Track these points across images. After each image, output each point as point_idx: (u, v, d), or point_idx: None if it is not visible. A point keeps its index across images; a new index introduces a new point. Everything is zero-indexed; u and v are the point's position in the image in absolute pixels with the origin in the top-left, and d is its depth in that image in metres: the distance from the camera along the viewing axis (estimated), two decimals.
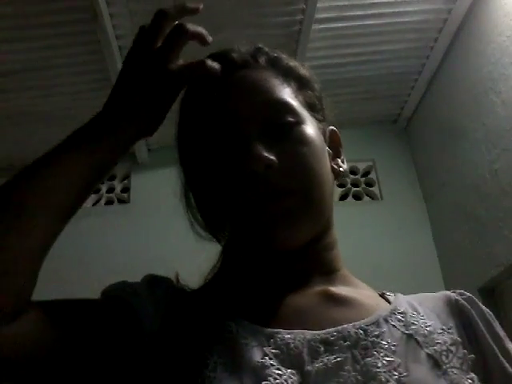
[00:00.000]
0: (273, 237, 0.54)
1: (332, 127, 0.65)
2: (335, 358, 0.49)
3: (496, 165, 1.80)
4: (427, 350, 0.52)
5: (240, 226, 0.58)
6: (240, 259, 0.63)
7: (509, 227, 1.72)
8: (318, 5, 1.84)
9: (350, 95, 2.28)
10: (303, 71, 0.64)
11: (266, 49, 0.64)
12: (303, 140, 0.57)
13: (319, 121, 0.62)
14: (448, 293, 0.62)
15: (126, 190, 2.47)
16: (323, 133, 0.62)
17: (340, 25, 1.98)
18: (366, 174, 2.47)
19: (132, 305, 0.53)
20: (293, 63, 0.64)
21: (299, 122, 0.58)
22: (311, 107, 0.62)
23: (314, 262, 0.59)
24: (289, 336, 0.50)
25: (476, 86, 1.92)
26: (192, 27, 0.54)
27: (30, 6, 1.75)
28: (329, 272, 0.60)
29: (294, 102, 0.59)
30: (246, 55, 0.62)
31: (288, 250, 0.56)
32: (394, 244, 2.25)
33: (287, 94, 0.59)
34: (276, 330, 0.51)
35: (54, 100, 2.18)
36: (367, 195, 2.43)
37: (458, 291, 0.62)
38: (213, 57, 0.59)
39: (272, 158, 0.54)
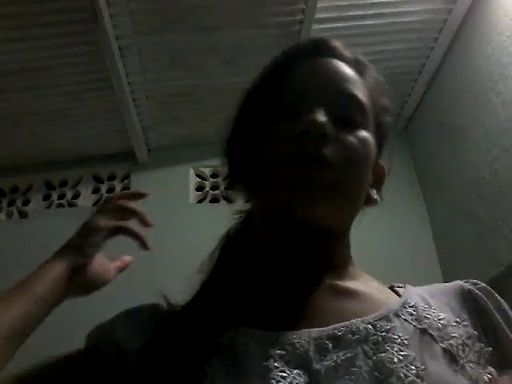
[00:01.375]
0: (302, 206, 0.52)
1: (382, 163, 0.65)
2: (344, 354, 0.47)
3: (496, 165, 1.80)
4: (443, 345, 0.50)
5: (271, 190, 0.55)
6: (240, 255, 0.61)
7: (509, 227, 1.71)
8: (317, 5, 1.84)
9: None
10: (385, 101, 0.64)
11: (367, 63, 0.65)
12: (362, 140, 0.56)
13: (377, 146, 0.61)
14: (461, 283, 0.60)
15: (125, 190, 2.46)
16: (375, 157, 0.61)
17: (340, 25, 1.98)
18: None
19: (104, 351, 0.54)
20: (382, 88, 0.64)
21: (365, 127, 0.58)
22: (377, 133, 0.61)
23: (327, 257, 0.57)
24: (294, 336, 0.48)
25: (476, 86, 1.92)
26: (132, 230, 0.68)
27: (30, 5, 1.75)
28: (337, 267, 0.58)
29: (369, 113, 0.59)
30: (349, 54, 0.63)
31: (309, 224, 0.54)
32: (394, 244, 2.25)
33: (368, 104, 0.59)
34: (279, 332, 0.49)
35: (53, 100, 2.18)
36: None
37: (472, 281, 0.60)
38: (317, 40, 0.63)
39: (330, 130, 0.53)
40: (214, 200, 2.39)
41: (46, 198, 2.46)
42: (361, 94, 0.59)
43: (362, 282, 0.58)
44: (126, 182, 2.48)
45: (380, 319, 0.50)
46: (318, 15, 1.90)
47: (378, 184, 0.64)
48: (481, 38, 1.89)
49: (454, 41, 2.07)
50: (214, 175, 2.41)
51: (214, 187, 2.40)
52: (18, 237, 2.31)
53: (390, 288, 0.60)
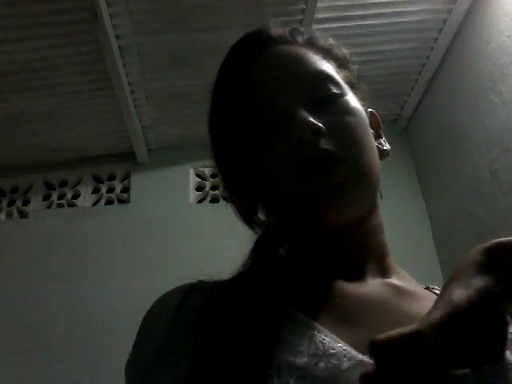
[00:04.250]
0: (324, 210, 0.51)
1: (370, 109, 0.64)
2: None
3: (496, 165, 1.80)
4: None
5: (285, 205, 0.53)
6: (278, 250, 0.59)
7: (509, 227, 1.71)
8: (318, 5, 1.84)
9: None
10: (341, 51, 0.64)
11: (303, 29, 0.63)
12: (349, 111, 0.56)
13: (360, 99, 0.61)
14: None
15: (125, 190, 2.47)
16: (365, 111, 0.61)
17: (340, 25, 1.98)
18: None
19: None
20: (330, 43, 0.64)
21: (343, 94, 0.57)
22: (351, 85, 0.61)
23: (363, 246, 0.56)
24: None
25: (476, 86, 1.92)
26: None
27: (30, 5, 1.75)
28: (380, 259, 0.57)
29: (337, 76, 0.58)
30: (283, 32, 0.61)
31: (337, 226, 0.52)
32: (394, 244, 2.23)
33: (329, 68, 0.59)
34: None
35: (54, 100, 2.18)
36: None
37: None
38: (249, 34, 0.60)
39: (319, 124, 0.51)
40: (214, 200, 2.39)
41: (46, 197, 2.46)
42: (321, 65, 0.58)
43: (406, 281, 0.57)
44: (125, 182, 2.48)
45: None
46: (318, 15, 1.90)
47: (378, 133, 0.63)
48: (481, 38, 1.89)
49: (454, 41, 2.07)
50: (213, 175, 2.41)
51: (214, 187, 2.40)
52: (18, 237, 2.31)
53: (426, 288, 0.60)
